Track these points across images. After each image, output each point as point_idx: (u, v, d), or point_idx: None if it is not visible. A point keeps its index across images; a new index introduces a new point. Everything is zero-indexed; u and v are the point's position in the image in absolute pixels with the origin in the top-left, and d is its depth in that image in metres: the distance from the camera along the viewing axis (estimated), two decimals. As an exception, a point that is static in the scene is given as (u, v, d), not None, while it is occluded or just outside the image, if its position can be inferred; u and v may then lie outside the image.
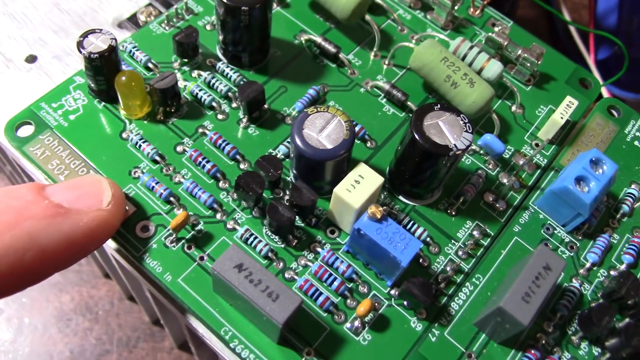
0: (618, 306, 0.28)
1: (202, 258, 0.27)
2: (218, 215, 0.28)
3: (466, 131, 0.27)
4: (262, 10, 0.30)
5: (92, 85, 0.30)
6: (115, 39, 0.29)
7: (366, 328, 0.26)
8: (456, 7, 0.36)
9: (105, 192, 0.25)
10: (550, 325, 0.27)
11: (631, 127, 0.34)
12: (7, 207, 0.22)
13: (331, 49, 0.33)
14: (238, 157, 0.30)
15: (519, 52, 0.34)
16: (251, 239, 0.27)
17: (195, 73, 0.32)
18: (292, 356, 0.25)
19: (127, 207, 0.28)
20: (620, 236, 0.30)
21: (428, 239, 0.29)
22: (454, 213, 0.30)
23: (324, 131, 0.27)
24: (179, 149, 0.30)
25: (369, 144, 0.31)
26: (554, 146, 0.33)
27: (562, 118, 0.31)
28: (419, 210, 0.30)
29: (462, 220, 0.30)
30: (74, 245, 0.23)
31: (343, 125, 0.27)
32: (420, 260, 0.28)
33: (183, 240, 0.27)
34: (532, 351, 0.27)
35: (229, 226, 0.28)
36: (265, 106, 0.31)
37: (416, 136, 0.26)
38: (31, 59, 0.35)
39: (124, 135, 0.30)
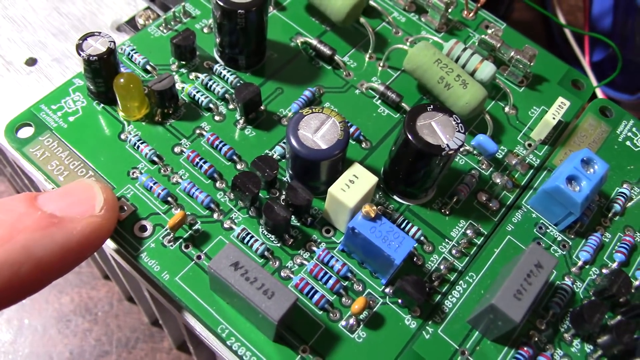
0: (610, 304, 0.28)
1: (199, 257, 0.27)
2: (215, 215, 0.28)
3: (458, 131, 0.27)
4: (258, 13, 0.30)
5: (91, 87, 0.30)
6: (114, 42, 0.29)
7: (361, 326, 0.27)
8: (450, 10, 0.36)
9: (98, 198, 0.25)
10: (543, 323, 0.28)
11: (623, 127, 0.35)
12: (0, 221, 0.22)
13: (327, 51, 0.34)
14: (235, 157, 0.30)
15: (512, 53, 0.34)
16: (248, 238, 0.28)
17: (192, 75, 0.32)
18: (288, 354, 0.26)
19: (125, 208, 0.28)
20: (612, 235, 0.31)
21: (422, 238, 0.29)
22: (447, 212, 0.30)
23: (318, 132, 0.27)
24: (177, 149, 0.30)
25: (363, 145, 0.32)
26: (546, 146, 0.33)
27: (554, 118, 0.32)
28: (413, 210, 0.30)
29: (456, 219, 0.30)
30: (69, 253, 0.23)
31: (337, 126, 0.27)
32: (415, 259, 0.28)
33: (180, 240, 0.28)
34: (525, 348, 0.27)
35: (225, 225, 0.28)
36: (262, 108, 0.32)
37: (409, 136, 0.27)
38: (31, 61, 0.36)
39: (123, 136, 0.30)
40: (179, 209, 0.28)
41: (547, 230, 0.30)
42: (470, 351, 0.27)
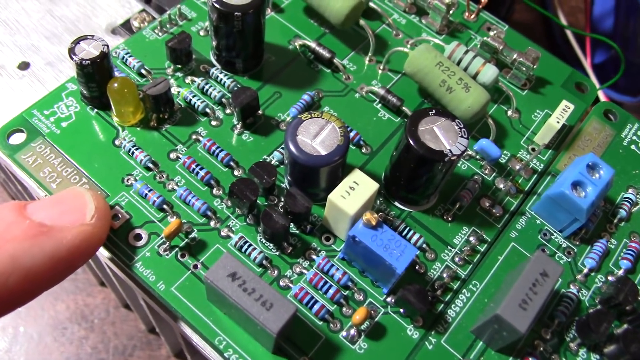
0: (616, 312, 0.28)
1: (195, 266, 0.27)
2: (212, 223, 0.28)
3: (461, 136, 0.27)
4: (255, 16, 0.30)
5: (85, 92, 0.30)
6: (107, 45, 0.28)
7: (362, 336, 0.26)
8: (451, 12, 0.35)
9: (89, 206, 0.24)
10: (548, 332, 0.27)
11: (628, 131, 0.34)
12: None
13: (326, 54, 0.33)
14: (232, 163, 0.29)
15: (515, 56, 0.34)
16: (245, 246, 0.27)
17: (188, 79, 0.32)
18: (287, 365, 0.25)
19: (119, 215, 0.27)
20: (617, 241, 0.30)
21: (424, 246, 0.28)
22: (450, 219, 0.29)
23: (318, 137, 0.26)
24: (173, 155, 0.29)
25: (364, 150, 0.31)
26: (550, 151, 0.33)
27: (558, 122, 0.31)
28: (414, 216, 0.29)
29: (459, 226, 0.29)
30: (59, 263, 0.22)
31: (337, 131, 0.27)
32: (417, 267, 0.28)
33: (176, 249, 0.27)
34: (530, 358, 0.26)
35: (222, 234, 0.28)
36: (260, 112, 0.31)
37: (411, 142, 0.26)
38: (24, 65, 0.35)
39: (117, 142, 0.29)
40: (174, 217, 0.28)
41: (552, 237, 0.30)
42: (474, 362, 0.26)
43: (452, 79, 0.30)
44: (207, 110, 0.31)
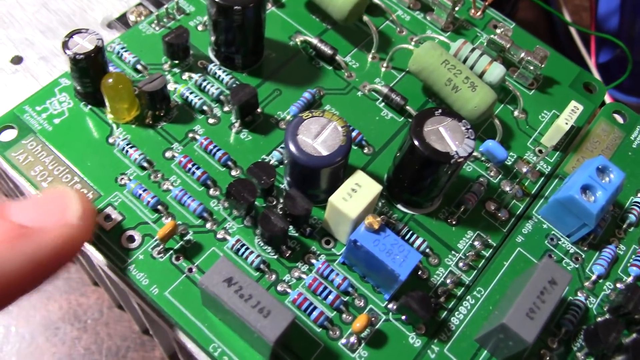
0: (625, 321, 0.27)
1: (190, 270, 0.26)
2: (208, 225, 0.27)
3: (468, 137, 0.26)
4: (255, 10, 0.29)
5: (78, 87, 0.29)
6: (102, 40, 0.28)
7: (362, 344, 0.25)
8: (457, 8, 0.35)
9: (73, 207, 0.23)
10: (555, 341, 0.26)
11: (637, 132, 0.33)
12: None
13: (327, 50, 0.32)
14: (229, 163, 0.29)
15: (522, 54, 0.33)
16: (242, 249, 0.26)
17: (185, 75, 0.31)
18: (284, 374, 0.24)
19: (112, 216, 0.26)
20: (626, 247, 0.29)
21: (427, 250, 0.28)
22: (454, 222, 0.29)
23: (319, 137, 0.25)
24: (168, 154, 0.29)
25: (366, 150, 0.30)
26: (558, 153, 0.32)
27: (566, 124, 0.30)
28: (418, 220, 0.28)
29: (463, 230, 0.28)
30: (40, 266, 0.22)
31: (339, 131, 0.26)
32: (420, 272, 0.27)
33: (171, 251, 0.26)
34: (536, 368, 0.25)
35: (219, 236, 0.27)
36: (259, 110, 0.30)
37: (416, 143, 0.25)
38: (17, 60, 0.34)
39: (111, 140, 0.29)
40: (169, 218, 0.27)
41: (559, 242, 0.29)
42: (478, 372, 0.25)
43: (458, 78, 0.30)
44: (205, 107, 0.30)
